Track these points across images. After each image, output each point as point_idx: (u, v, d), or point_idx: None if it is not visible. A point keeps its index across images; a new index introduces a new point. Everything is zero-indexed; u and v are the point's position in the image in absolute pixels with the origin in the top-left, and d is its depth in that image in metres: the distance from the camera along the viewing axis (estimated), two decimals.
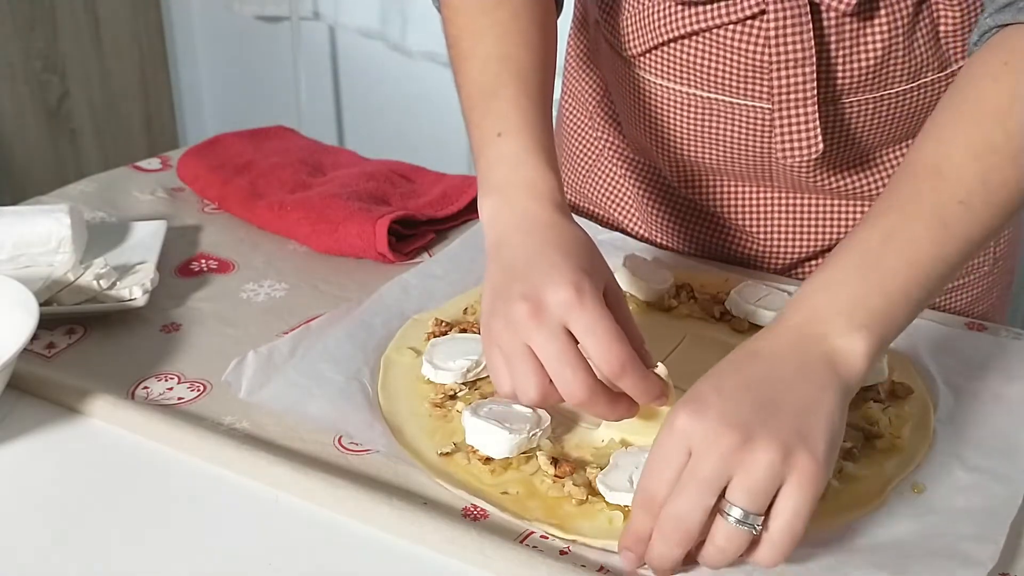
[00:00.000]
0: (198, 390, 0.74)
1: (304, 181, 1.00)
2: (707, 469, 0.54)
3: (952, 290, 0.95)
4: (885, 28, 0.79)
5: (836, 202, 0.91)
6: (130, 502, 0.64)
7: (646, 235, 0.99)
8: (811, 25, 0.78)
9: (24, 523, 0.63)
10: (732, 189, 0.92)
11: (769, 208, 0.92)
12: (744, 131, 0.85)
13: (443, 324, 0.79)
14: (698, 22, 0.81)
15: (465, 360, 0.73)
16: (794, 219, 0.92)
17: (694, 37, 0.82)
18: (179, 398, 0.73)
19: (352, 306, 0.83)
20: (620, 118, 0.97)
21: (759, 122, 0.84)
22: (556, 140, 0.91)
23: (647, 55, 0.86)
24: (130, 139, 2.63)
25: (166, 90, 2.69)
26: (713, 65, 0.83)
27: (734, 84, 0.83)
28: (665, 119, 0.89)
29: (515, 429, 0.65)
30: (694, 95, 0.85)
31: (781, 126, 0.81)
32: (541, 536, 0.61)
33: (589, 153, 1.02)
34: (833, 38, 0.79)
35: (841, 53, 0.80)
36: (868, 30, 0.79)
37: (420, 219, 0.95)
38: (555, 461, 0.65)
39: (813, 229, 0.92)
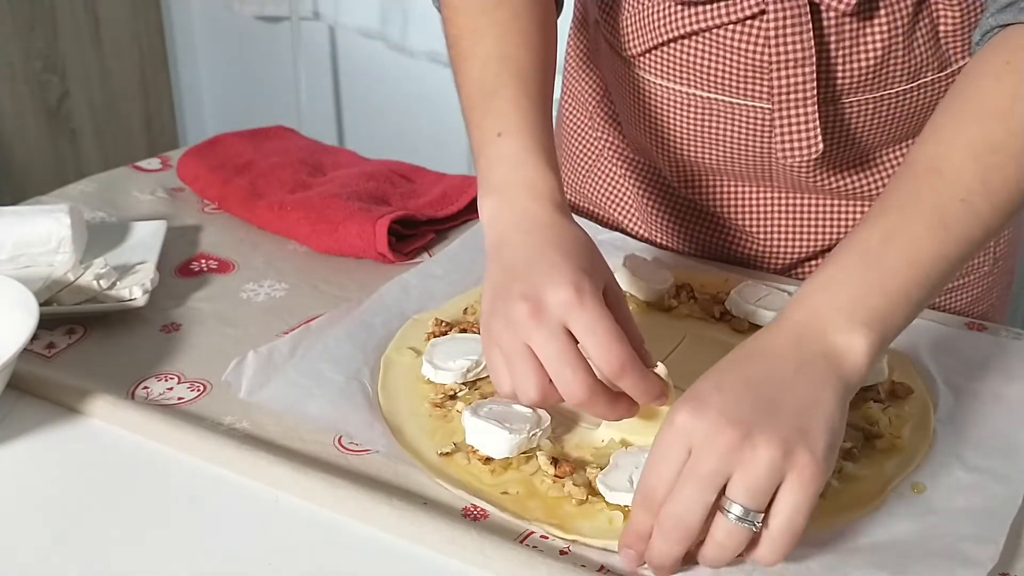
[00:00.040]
0: (198, 390, 0.74)
1: (304, 181, 1.00)
2: (707, 466, 0.54)
3: (952, 290, 0.95)
4: (885, 28, 0.79)
5: (836, 202, 0.91)
6: (130, 502, 0.64)
7: (646, 235, 0.99)
8: (811, 25, 0.78)
9: (24, 523, 0.63)
10: (732, 189, 0.92)
11: (769, 208, 0.92)
12: (744, 131, 0.85)
13: (443, 324, 0.79)
14: (698, 22, 0.81)
15: (465, 360, 0.73)
16: (794, 219, 0.92)
17: (694, 37, 0.82)
18: (179, 398, 0.73)
19: (352, 306, 0.83)
20: (620, 118, 0.97)
21: (759, 122, 0.84)
22: (556, 140, 0.91)
23: (647, 55, 0.86)
24: (130, 139, 2.63)
25: (166, 90, 2.69)
26: (713, 65, 0.83)
27: (734, 84, 0.83)
28: (665, 119, 0.89)
29: (515, 429, 0.65)
30: (694, 95, 0.85)
31: (781, 126, 0.81)
32: (541, 536, 0.61)
33: (589, 153, 1.02)
34: (833, 38, 0.79)
35: (841, 53, 0.80)
36: (868, 30, 0.79)
37: (420, 219, 0.95)
38: (555, 461, 0.65)
39: (813, 229, 0.92)
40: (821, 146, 0.81)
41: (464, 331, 0.79)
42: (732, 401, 0.56)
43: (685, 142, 0.89)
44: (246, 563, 0.60)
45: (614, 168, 1.00)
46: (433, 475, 0.65)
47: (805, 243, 0.93)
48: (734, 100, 0.84)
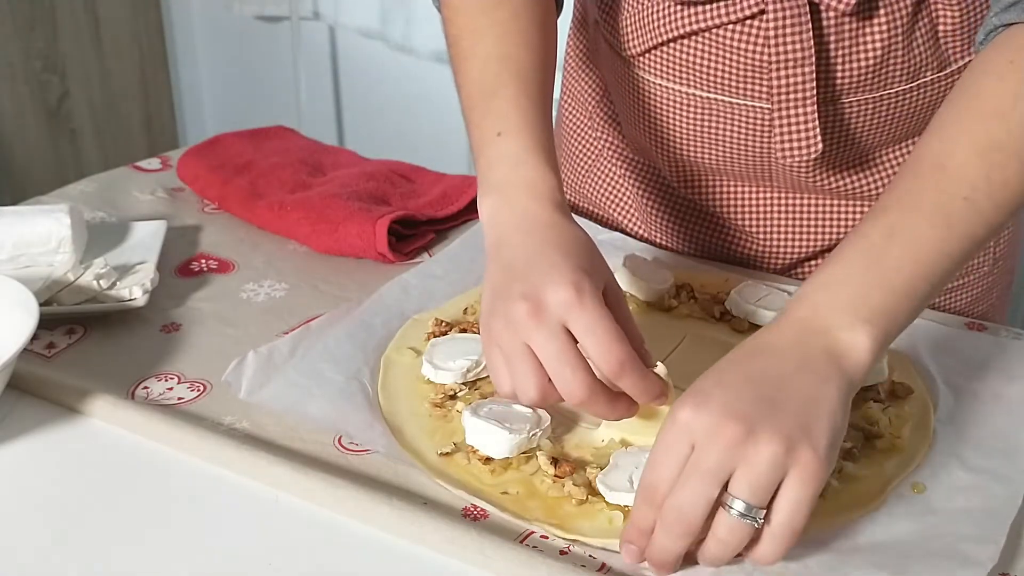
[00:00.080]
0: (198, 390, 0.74)
1: (304, 181, 1.00)
2: (710, 461, 0.54)
3: (952, 290, 0.95)
4: (884, 28, 0.79)
5: (836, 202, 0.91)
6: (130, 502, 0.64)
7: (646, 235, 0.99)
8: (810, 25, 0.78)
9: (24, 523, 0.63)
10: (732, 189, 0.92)
11: (769, 208, 0.92)
12: (744, 131, 0.85)
13: (443, 324, 0.79)
14: (697, 22, 0.81)
15: (465, 360, 0.73)
16: (794, 219, 0.92)
17: (694, 37, 0.82)
18: (179, 398, 0.73)
19: (352, 306, 0.83)
20: (620, 118, 0.97)
21: (759, 122, 0.84)
22: (556, 140, 0.91)
23: (647, 55, 0.86)
24: (130, 139, 2.63)
25: (166, 90, 2.69)
26: (713, 65, 0.83)
27: (734, 84, 0.83)
28: (665, 119, 0.89)
29: (515, 429, 0.65)
30: (694, 95, 0.85)
31: (780, 126, 0.81)
32: (541, 536, 0.61)
33: (589, 153, 1.02)
34: (832, 38, 0.79)
35: (840, 53, 0.80)
36: (867, 30, 0.79)
37: (420, 219, 0.95)
38: (555, 461, 0.65)
39: (813, 229, 0.92)
40: (820, 146, 0.81)
41: (464, 331, 0.79)
42: (735, 397, 0.56)
43: (685, 142, 0.89)
44: (246, 563, 0.60)
45: (614, 168, 1.00)
46: (433, 475, 0.65)
47: (805, 243, 0.93)
48: (734, 100, 0.84)
